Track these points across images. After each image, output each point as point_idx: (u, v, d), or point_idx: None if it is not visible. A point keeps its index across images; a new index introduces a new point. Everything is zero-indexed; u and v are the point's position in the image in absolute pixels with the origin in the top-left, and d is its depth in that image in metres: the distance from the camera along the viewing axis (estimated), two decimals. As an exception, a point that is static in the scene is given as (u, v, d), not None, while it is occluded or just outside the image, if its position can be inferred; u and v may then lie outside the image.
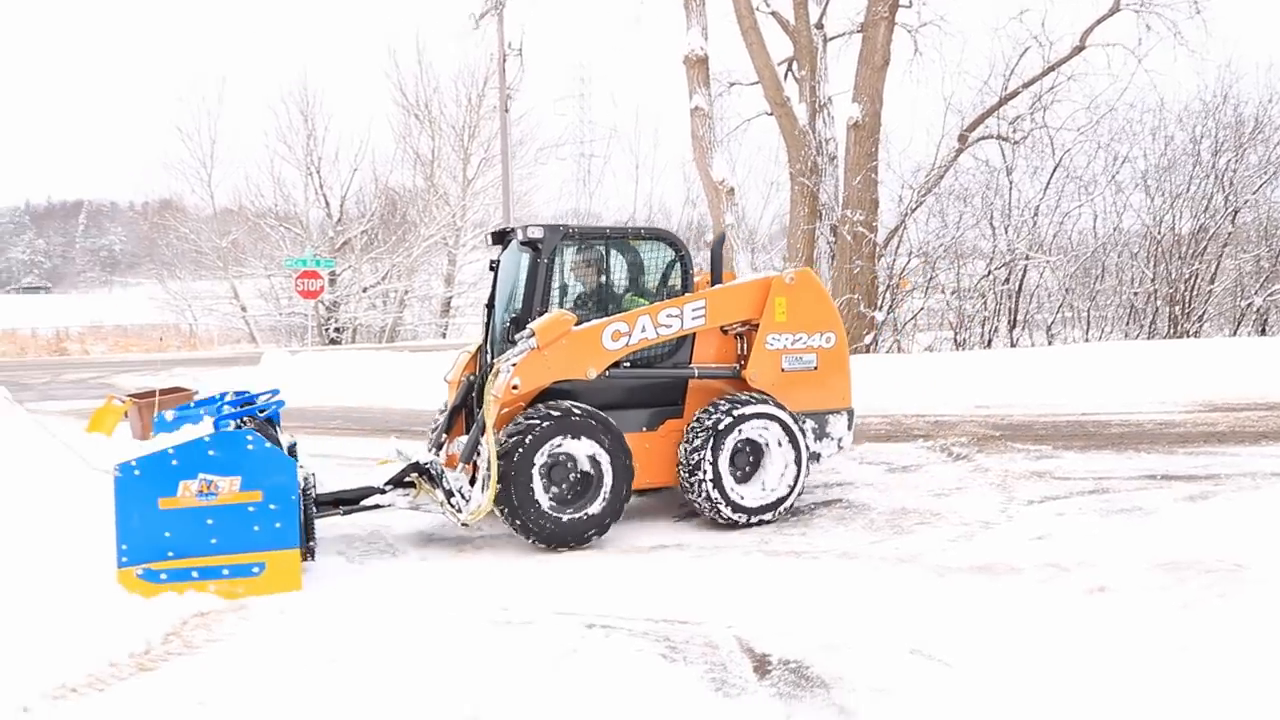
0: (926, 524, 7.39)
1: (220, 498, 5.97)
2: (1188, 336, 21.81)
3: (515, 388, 7.12)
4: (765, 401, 7.68)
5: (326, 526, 7.39)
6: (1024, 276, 22.87)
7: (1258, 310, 23.32)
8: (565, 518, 7.00)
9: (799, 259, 19.67)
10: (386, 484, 7.29)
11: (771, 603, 5.60)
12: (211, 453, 6.00)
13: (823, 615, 5.34)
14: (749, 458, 7.73)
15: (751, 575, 6.20)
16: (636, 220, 33.64)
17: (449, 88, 36.43)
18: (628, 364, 7.62)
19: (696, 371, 7.88)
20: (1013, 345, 21.72)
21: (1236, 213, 22.66)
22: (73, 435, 11.88)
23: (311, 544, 6.49)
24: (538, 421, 6.94)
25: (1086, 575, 5.84)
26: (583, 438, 7.04)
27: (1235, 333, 23.29)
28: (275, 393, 8.44)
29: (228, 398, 8.33)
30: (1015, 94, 20.08)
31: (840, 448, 8.29)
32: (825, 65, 20.25)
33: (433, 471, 7.35)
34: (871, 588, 5.86)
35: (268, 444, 6.12)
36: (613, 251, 8.03)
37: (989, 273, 20.81)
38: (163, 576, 5.85)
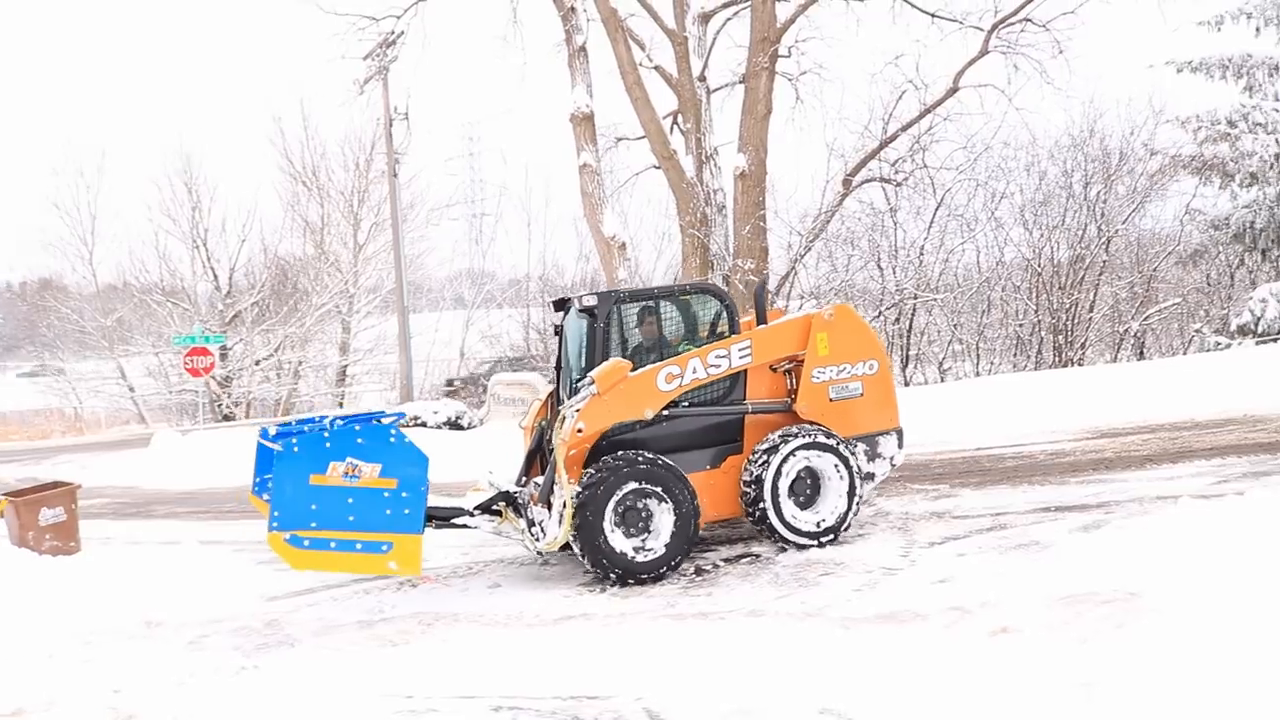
0: (831, 574, 7.41)
1: (362, 480, 6.82)
2: (1072, 364, 22.56)
3: (580, 431, 7.83)
4: (815, 432, 8.23)
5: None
6: (913, 315, 23.42)
7: (1135, 335, 24.26)
8: (639, 557, 7.60)
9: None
10: (476, 508, 8.06)
11: (680, 670, 5.52)
12: (360, 440, 6.90)
13: (732, 679, 5.29)
14: (808, 485, 8.29)
15: (659, 642, 6.11)
16: (530, 279, 33.62)
17: (336, 153, 35.80)
18: (687, 404, 8.32)
19: (751, 407, 8.50)
20: (905, 384, 22.13)
21: (1109, 241, 23.62)
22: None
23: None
24: (608, 474, 7.57)
25: (989, 617, 5.89)
26: (644, 482, 7.66)
27: (1115, 358, 24.17)
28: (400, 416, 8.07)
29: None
30: (895, 137, 20.57)
31: (893, 465, 8.90)
32: (710, 117, 20.51)
33: (520, 501, 8.18)
34: (779, 646, 5.83)
35: (407, 439, 6.97)
36: (663, 307, 8.72)
37: (879, 313, 21.23)
38: (306, 543, 6.70)
